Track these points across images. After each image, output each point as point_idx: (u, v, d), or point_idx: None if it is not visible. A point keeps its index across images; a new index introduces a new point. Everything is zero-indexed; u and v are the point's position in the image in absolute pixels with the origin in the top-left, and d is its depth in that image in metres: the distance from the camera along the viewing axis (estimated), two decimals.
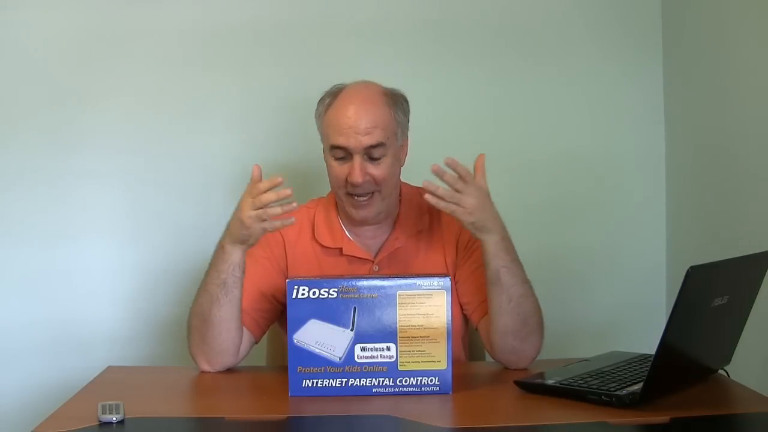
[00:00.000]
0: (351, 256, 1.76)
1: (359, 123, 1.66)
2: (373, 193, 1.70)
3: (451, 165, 1.56)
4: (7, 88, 2.28)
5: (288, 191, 1.54)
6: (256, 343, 1.75)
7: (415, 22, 2.35)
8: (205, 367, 1.67)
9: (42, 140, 2.29)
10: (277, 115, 2.34)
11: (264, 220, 1.54)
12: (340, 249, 1.76)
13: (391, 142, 1.70)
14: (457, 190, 1.56)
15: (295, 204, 1.57)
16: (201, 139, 2.33)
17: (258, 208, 1.54)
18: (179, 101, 2.32)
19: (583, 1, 2.39)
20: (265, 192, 1.54)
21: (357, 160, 1.67)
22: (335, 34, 2.33)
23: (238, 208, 1.58)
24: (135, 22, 2.30)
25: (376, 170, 1.69)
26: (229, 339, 1.64)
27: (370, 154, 1.67)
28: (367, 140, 1.66)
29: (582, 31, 2.39)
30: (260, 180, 1.58)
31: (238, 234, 1.58)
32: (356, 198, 1.70)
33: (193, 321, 1.66)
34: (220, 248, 1.62)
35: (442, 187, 1.56)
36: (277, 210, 1.54)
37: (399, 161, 1.76)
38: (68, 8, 2.28)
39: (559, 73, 2.38)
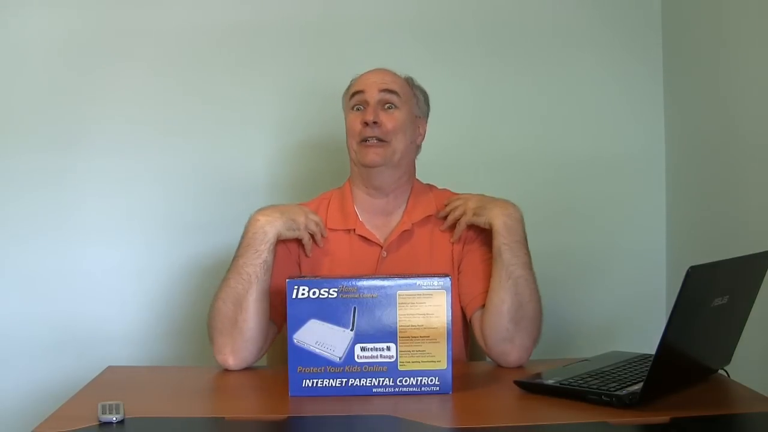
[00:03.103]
0: (362, 236, 1.81)
1: (375, 77, 1.83)
2: (383, 142, 1.79)
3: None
4: (7, 89, 2.28)
5: (323, 237, 1.79)
6: (278, 333, 1.76)
7: (418, 24, 2.36)
8: (230, 361, 1.67)
9: (42, 140, 2.29)
10: (278, 115, 2.34)
11: (307, 232, 1.74)
12: (353, 229, 1.81)
13: (406, 101, 1.83)
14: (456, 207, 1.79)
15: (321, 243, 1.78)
16: (203, 138, 2.33)
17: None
18: (180, 101, 2.32)
19: (583, 3, 2.39)
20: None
21: (372, 102, 1.80)
22: (337, 35, 2.34)
23: (298, 207, 1.78)
24: (135, 22, 2.30)
25: (387, 119, 1.79)
26: (261, 324, 1.67)
27: (384, 100, 1.80)
28: (383, 85, 1.81)
29: (583, 31, 2.39)
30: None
31: (287, 219, 1.72)
32: (367, 142, 1.78)
33: (223, 308, 1.67)
34: (261, 232, 1.69)
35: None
36: (316, 232, 1.76)
37: (413, 131, 1.85)
38: (69, 9, 2.28)
39: (559, 73, 2.38)
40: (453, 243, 1.79)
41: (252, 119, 2.34)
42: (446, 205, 1.81)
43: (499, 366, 1.69)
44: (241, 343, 1.66)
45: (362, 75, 1.86)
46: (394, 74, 1.85)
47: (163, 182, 2.33)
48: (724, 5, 2.07)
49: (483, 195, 1.79)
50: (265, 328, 1.69)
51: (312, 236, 1.76)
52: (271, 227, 1.70)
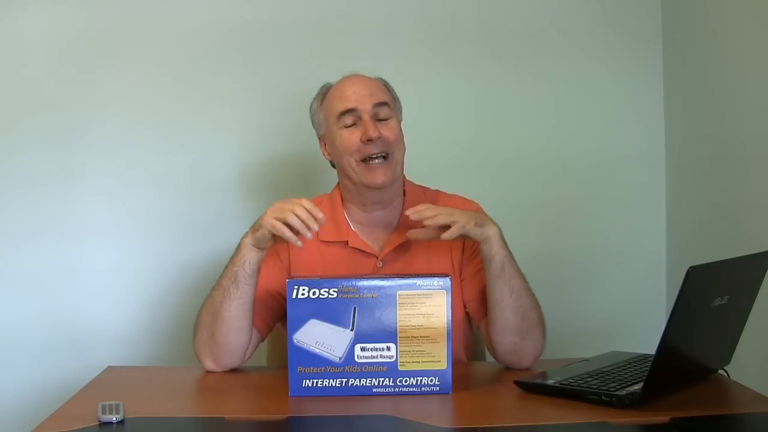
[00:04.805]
0: (356, 248, 1.76)
1: (362, 89, 1.75)
2: (386, 156, 1.73)
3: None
4: (7, 89, 2.28)
5: (323, 218, 1.57)
6: (263, 340, 1.75)
7: (416, 23, 2.35)
8: (211, 366, 1.67)
9: (42, 140, 2.28)
10: (276, 115, 2.34)
11: (279, 221, 1.56)
12: (346, 242, 1.76)
13: (394, 109, 1.78)
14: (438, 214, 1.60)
15: (316, 227, 1.57)
16: (201, 138, 2.33)
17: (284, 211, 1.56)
18: (179, 101, 2.32)
19: (583, 3, 2.39)
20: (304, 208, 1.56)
21: (367, 117, 1.72)
22: (332, 35, 2.33)
23: (275, 205, 1.60)
24: (134, 22, 2.30)
25: (386, 130, 1.73)
26: (238, 339, 1.65)
27: (377, 114, 1.74)
28: (374, 98, 1.74)
29: (582, 31, 2.39)
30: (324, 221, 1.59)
31: (255, 226, 1.61)
32: (371, 161, 1.72)
33: (204, 316, 1.66)
34: (238, 245, 1.65)
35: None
36: (296, 221, 1.55)
37: (402, 135, 1.79)
38: (68, 9, 2.28)
39: (559, 73, 2.38)
40: (444, 239, 1.60)
41: (252, 120, 2.34)
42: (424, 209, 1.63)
43: (504, 367, 1.69)
44: (220, 354, 1.66)
45: (343, 87, 1.76)
46: (375, 81, 1.79)
47: (162, 182, 2.32)
48: (724, 5, 2.07)
49: (458, 210, 1.65)
50: (245, 341, 1.66)
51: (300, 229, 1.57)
52: (245, 237, 1.63)
